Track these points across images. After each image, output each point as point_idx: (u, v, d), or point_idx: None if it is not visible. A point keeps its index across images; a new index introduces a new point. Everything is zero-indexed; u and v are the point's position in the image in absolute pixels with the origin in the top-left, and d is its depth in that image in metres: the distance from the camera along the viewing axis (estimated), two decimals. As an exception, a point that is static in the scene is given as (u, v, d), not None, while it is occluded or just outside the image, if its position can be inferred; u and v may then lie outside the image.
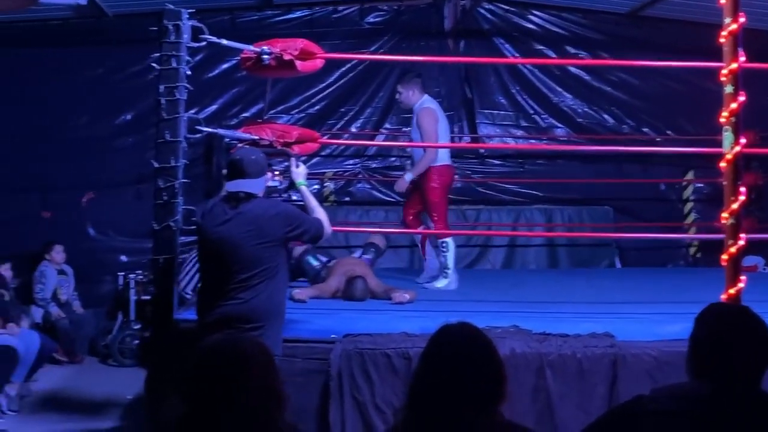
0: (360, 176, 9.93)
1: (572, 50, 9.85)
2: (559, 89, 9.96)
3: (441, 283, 6.70)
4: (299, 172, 4.65)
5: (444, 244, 6.67)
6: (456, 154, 9.89)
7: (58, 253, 8.78)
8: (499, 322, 4.90)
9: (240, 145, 4.88)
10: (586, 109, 9.96)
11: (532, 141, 10.01)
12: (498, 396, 2.36)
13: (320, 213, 4.52)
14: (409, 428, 2.40)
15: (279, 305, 4.30)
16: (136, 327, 8.68)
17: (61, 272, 8.81)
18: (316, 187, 9.45)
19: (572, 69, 9.93)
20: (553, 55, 9.89)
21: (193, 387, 2.31)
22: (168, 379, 4.35)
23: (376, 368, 4.65)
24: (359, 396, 4.65)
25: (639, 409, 2.45)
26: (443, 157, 6.92)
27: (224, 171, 4.40)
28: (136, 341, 8.53)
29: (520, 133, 10.01)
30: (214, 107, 9.43)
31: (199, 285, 4.46)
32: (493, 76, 9.96)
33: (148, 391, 4.76)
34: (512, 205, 9.84)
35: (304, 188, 4.64)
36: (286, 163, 4.92)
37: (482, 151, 9.93)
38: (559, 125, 9.98)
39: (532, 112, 9.97)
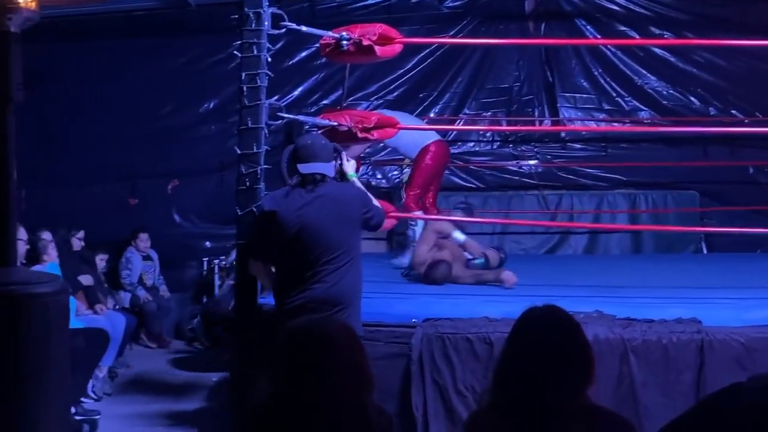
0: (439, 162, 9.90)
1: (656, 31, 9.61)
2: (643, 71, 9.72)
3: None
4: (350, 165, 4.67)
5: (413, 221, 6.74)
6: (537, 138, 9.89)
7: (142, 241, 8.97)
8: (582, 307, 4.85)
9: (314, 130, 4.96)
10: (671, 91, 9.71)
11: (615, 124, 9.83)
12: (584, 379, 2.34)
13: (376, 203, 4.58)
14: (495, 412, 2.39)
15: (360, 287, 4.36)
16: (220, 311, 8.89)
17: (146, 258, 9.03)
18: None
19: (657, 50, 9.68)
20: (637, 36, 9.67)
21: (282, 369, 2.36)
22: (253, 361, 4.45)
23: (457, 353, 4.66)
24: (440, 380, 4.67)
25: (736, 402, 2.10)
26: (430, 136, 7.01)
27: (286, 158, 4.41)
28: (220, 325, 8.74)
29: (602, 116, 9.84)
30: (294, 95, 9.52)
31: (274, 272, 4.47)
32: (574, 59, 9.80)
33: (233, 373, 4.87)
34: (594, 190, 9.69)
35: (356, 180, 4.66)
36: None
37: (564, 134, 9.81)
38: (643, 108, 9.76)
39: (615, 94, 9.77)
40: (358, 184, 4.66)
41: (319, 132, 4.86)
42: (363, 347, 2.50)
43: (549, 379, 2.29)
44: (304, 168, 4.26)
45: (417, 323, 4.75)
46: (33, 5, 2.98)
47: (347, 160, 4.62)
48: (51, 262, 6.67)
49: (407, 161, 9.82)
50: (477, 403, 3.18)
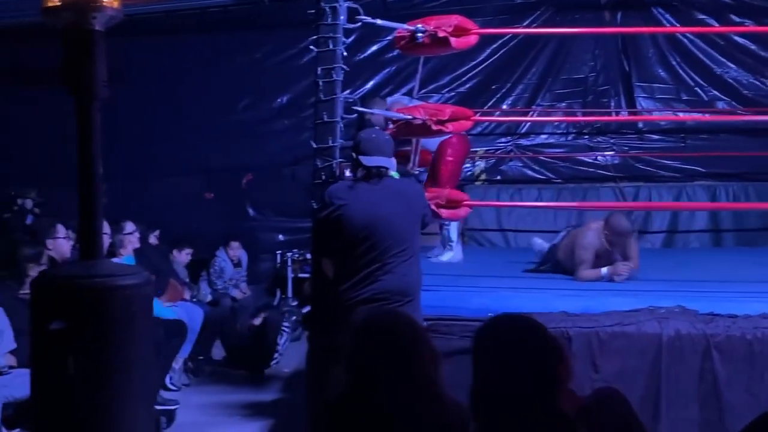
0: (512, 154, 9.85)
1: (737, 19, 9.35)
2: (723, 60, 9.51)
3: (445, 257, 6.76)
4: (392, 163, 4.65)
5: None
6: (613, 129, 9.73)
7: (233, 249, 8.99)
8: (664, 302, 4.77)
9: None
10: (751, 80, 9.46)
11: (694, 114, 9.61)
12: (556, 382, 2.22)
13: None
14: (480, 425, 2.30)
15: (421, 279, 4.40)
16: (293, 303, 8.98)
17: (237, 264, 9.07)
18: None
19: (737, 38, 9.44)
20: (716, 25, 9.43)
21: (359, 360, 2.37)
22: (330, 352, 4.47)
23: (534, 347, 4.61)
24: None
25: None
26: None
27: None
28: (294, 317, 8.82)
29: (680, 106, 9.64)
30: (366, 88, 9.55)
31: (334, 264, 4.48)
32: (652, 48, 9.62)
33: (309, 364, 4.91)
34: (673, 182, 9.49)
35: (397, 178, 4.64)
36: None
37: (641, 125, 9.63)
38: (723, 98, 9.55)
39: (693, 84, 9.57)
40: None
41: (393, 126, 4.87)
42: (429, 337, 2.50)
43: (513, 390, 2.19)
44: (368, 161, 4.28)
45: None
46: (116, 4, 3.03)
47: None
48: (127, 255, 6.83)
49: (480, 152, 9.82)
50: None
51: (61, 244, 6.08)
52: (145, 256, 7.20)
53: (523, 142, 9.89)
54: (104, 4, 2.94)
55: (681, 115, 9.57)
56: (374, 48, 9.48)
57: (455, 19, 4.82)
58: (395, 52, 9.23)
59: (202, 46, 9.54)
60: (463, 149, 6.68)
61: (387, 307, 4.06)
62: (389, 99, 6.87)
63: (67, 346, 2.98)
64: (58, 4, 2.86)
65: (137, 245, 7.09)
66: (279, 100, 9.74)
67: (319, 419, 2.50)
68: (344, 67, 4.70)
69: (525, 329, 2.29)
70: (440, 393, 2.43)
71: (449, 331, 4.63)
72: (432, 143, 6.54)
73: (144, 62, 9.35)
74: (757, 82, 9.46)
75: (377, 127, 4.56)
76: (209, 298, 8.63)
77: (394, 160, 4.40)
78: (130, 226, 6.99)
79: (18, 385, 4.92)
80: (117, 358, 3.08)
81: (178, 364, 7.03)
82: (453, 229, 6.85)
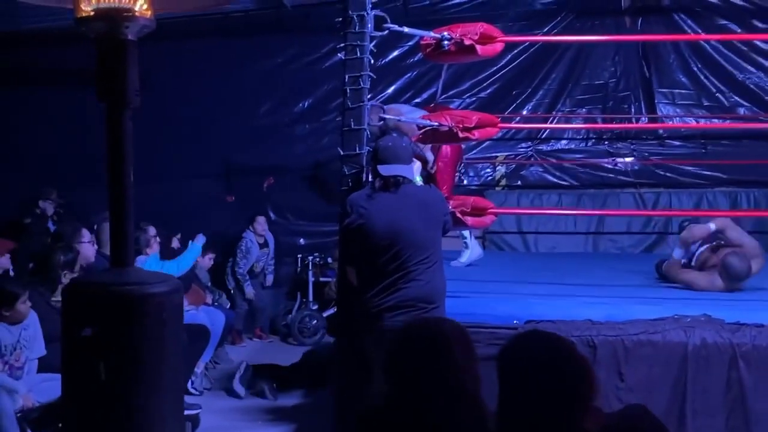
0: (532, 159, 9.81)
1: (760, 24, 9.27)
2: (745, 65, 9.43)
3: (464, 258, 6.80)
4: (415, 167, 4.62)
5: None
6: (633, 135, 9.68)
7: (260, 224, 9.10)
8: (689, 310, 4.72)
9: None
10: (775, 87, 9.39)
11: (715, 121, 9.54)
12: (580, 400, 2.20)
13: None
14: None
15: (445, 284, 4.38)
16: (313, 307, 8.99)
17: (263, 245, 9.14)
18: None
19: (760, 44, 9.36)
20: (738, 30, 9.35)
21: (399, 369, 2.34)
22: (356, 359, 4.46)
23: (559, 355, 4.58)
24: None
25: None
26: None
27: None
28: (315, 321, 8.84)
29: (701, 112, 9.57)
30: (387, 93, 9.54)
31: (357, 272, 4.46)
32: (673, 54, 9.56)
33: (335, 370, 4.90)
34: (694, 188, 9.42)
35: (419, 182, 4.61)
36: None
37: (661, 131, 9.57)
38: (744, 103, 9.47)
39: (714, 90, 9.50)
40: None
41: (420, 132, 4.85)
42: (473, 344, 2.47)
43: (540, 406, 2.17)
44: (385, 170, 4.26)
45: (518, 325, 4.69)
46: (149, 14, 3.04)
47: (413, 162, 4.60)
48: (153, 253, 6.86)
49: (500, 158, 9.79)
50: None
51: (86, 248, 6.10)
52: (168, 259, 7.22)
53: (544, 147, 9.85)
54: (137, 14, 2.95)
55: (702, 122, 9.49)
56: (395, 53, 9.49)
57: (481, 27, 4.80)
58: (416, 57, 9.27)
59: (224, 51, 9.55)
60: (453, 156, 6.65)
61: (427, 315, 4.07)
62: (386, 107, 6.83)
63: (98, 353, 2.98)
64: (92, 13, 2.87)
65: (157, 250, 7.10)
66: (300, 104, 9.74)
67: (359, 428, 2.47)
68: (371, 74, 4.70)
69: (551, 348, 2.27)
70: (481, 401, 2.41)
71: (475, 339, 4.54)
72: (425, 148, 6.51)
73: (167, 66, 9.34)
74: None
75: (395, 134, 4.55)
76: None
77: (413, 167, 4.39)
78: (152, 230, 7.02)
79: (45, 389, 4.94)
80: (147, 365, 3.08)
81: (200, 368, 7.05)
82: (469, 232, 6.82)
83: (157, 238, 7.10)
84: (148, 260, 6.73)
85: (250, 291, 8.93)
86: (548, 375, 2.18)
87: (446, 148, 6.45)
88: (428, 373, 2.30)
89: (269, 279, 9.27)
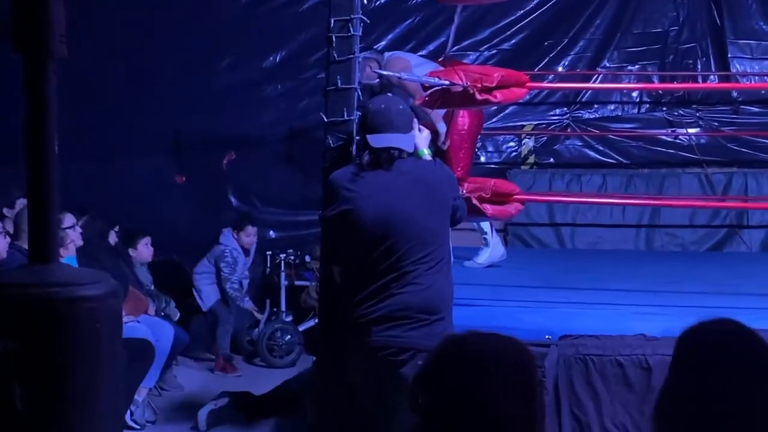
0: (569, 130, 9.84)
1: None
2: None
3: (482, 258, 6.90)
4: (422, 137, 4.61)
5: None
6: (700, 99, 9.70)
7: (248, 236, 9.01)
8: (765, 323, 4.75)
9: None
10: None
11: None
12: None
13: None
14: None
15: (452, 290, 4.40)
16: (287, 319, 8.99)
17: (246, 253, 9.11)
18: None
19: None
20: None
21: (433, 395, 2.37)
22: (341, 386, 4.49)
23: (604, 380, 4.63)
24: (581, 414, 4.64)
25: None
26: None
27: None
28: (288, 336, 8.84)
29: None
30: (381, 44, 9.53)
31: (329, 281, 4.50)
32: (752, -6, 9.62)
33: (315, 398, 4.94)
34: (776, 168, 9.50)
35: (428, 158, 4.60)
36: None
37: (736, 94, 9.61)
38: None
39: (805, 41, 9.56)
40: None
41: (427, 94, 4.87)
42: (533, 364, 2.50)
43: (725, 412, 2.23)
44: (375, 140, 4.24)
45: (552, 341, 4.72)
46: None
47: (419, 131, 4.57)
48: (68, 256, 6.74)
49: (528, 127, 9.81)
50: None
51: (-5, 241, 6.10)
52: (94, 257, 7.17)
53: (584, 114, 9.87)
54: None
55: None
56: (395, -8, 9.51)
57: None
58: (421, -1, 9.29)
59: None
60: (472, 127, 6.66)
61: (427, 328, 4.08)
62: (387, 54, 6.83)
63: (12, 374, 2.99)
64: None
65: (80, 243, 7.05)
66: (271, 58, 9.73)
67: None
68: (364, 18, 4.71)
69: (755, 348, 2.35)
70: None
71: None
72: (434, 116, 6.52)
73: (98, 14, 9.33)
74: None
75: (390, 94, 4.55)
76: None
77: (412, 135, 4.35)
78: (69, 219, 6.95)
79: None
80: (76, 391, 3.09)
81: (141, 396, 7.04)
82: (487, 223, 6.86)
83: (78, 229, 7.02)
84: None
85: (249, 305, 8.96)
86: (743, 378, 2.27)
87: (462, 117, 6.45)
88: (465, 402, 2.33)
89: (245, 284, 9.25)
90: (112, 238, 8.10)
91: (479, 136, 7.40)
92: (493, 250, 6.94)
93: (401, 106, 4.37)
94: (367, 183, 4.25)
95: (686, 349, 2.40)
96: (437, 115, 6.03)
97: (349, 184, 4.27)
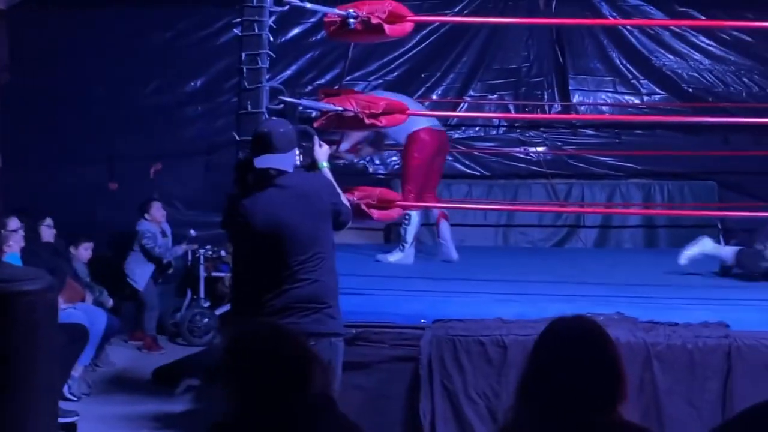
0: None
1: (679, 8, 9.51)
2: (662, 51, 9.68)
3: (394, 257, 6.74)
4: (322, 152, 4.57)
5: (407, 217, 6.63)
6: (546, 123, 9.85)
7: (157, 210, 8.81)
8: (602, 308, 4.82)
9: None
10: (692, 73, 9.66)
11: (630, 110, 9.79)
12: (615, 397, 2.31)
13: (344, 199, 4.51)
14: (519, 429, 2.37)
15: (338, 282, 4.36)
16: (205, 305, 8.85)
17: (163, 234, 8.91)
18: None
19: (676, 29, 9.63)
20: (658, 15, 9.59)
21: (242, 381, 2.32)
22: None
23: (468, 356, 4.64)
24: (450, 385, 4.65)
25: None
26: (420, 121, 6.57)
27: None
28: (206, 320, 8.71)
29: (616, 100, 9.81)
30: (287, 74, 9.42)
31: (237, 278, 4.49)
32: (588, 38, 9.74)
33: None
34: (607, 180, 9.66)
35: (326, 170, 4.55)
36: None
37: (575, 120, 9.77)
38: (660, 92, 9.73)
39: (630, 77, 9.74)
40: (328, 174, 4.56)
41: (324, 118, 4.82)
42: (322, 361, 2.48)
43: (578, 396, 2.26)
44: (258, 162, 4.16)
45: (426, 324, 4.72)
46: (21, -22, 2.92)
47: (319, 146, 4.54)
48: (11, 253, 6.51)
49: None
50: (500, 417, 3.14)
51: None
52: (36, 254, 6.92)
53: (453, 134, 9.89)
54: (7, -22, 2.83)
55: (617, 111, 9.73)
56: (297, 30, 9.41)
57: (389, 5, 4.80)
58: (319, 36, 9.21)
59: (108, 21, 9.27)
60: (432, 144, 6.63)
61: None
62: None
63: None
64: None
65: (22, 244, 6.81)
66: (192, 83, 9.56)
67: None
68: (270, 53, 4.64)
69: (603, 342, 2.36)
70: (337, 410, 2.44)
71: (380, 339, 4.62)
72: (398, 136, 6.49)
73: (42, 38, 9.05)
74: (698, 75, 9.61)
75: (275, 118, 4.47)
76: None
77: (291, 155, 4.22)
78: (14, 223, 6.72)
79: None
80: (18, 373, 2.99)
81: (77, 372, 6.86)
82: (411, 229, 6.72)
83: (21, 232, 6.78)
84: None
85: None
86: (593, 369, 2.29)
87: (424, 137, 6.43)
88: (274, 383, 2.29)
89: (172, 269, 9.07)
90: (47, 232, 7.81)
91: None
92: (405, 257, 6.76)
93: (282, 129, 4.25)
94: (255, 199, 4.19)
95: (545, 340, 2.41)
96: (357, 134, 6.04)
97: (244, 201, 4.22)
